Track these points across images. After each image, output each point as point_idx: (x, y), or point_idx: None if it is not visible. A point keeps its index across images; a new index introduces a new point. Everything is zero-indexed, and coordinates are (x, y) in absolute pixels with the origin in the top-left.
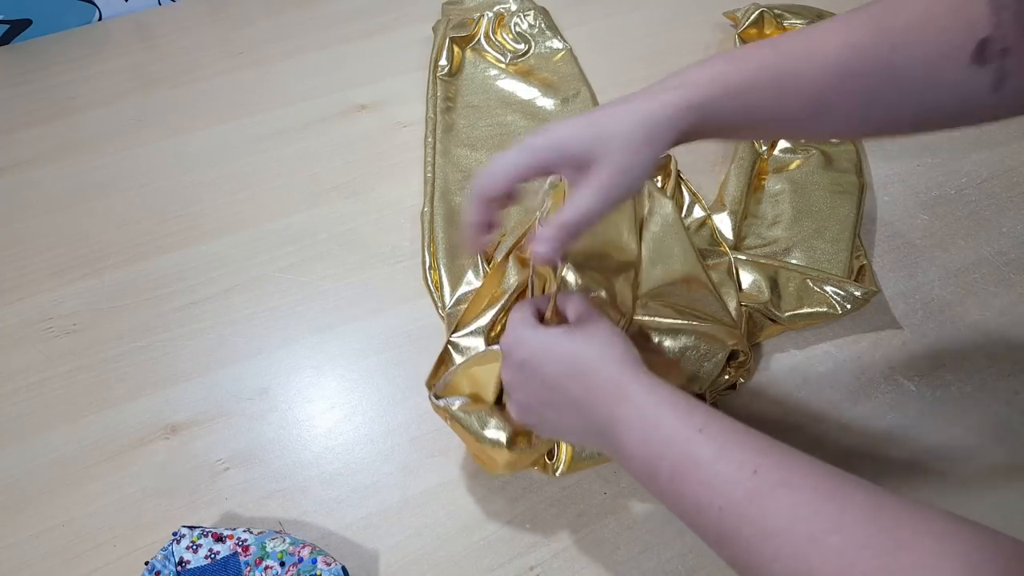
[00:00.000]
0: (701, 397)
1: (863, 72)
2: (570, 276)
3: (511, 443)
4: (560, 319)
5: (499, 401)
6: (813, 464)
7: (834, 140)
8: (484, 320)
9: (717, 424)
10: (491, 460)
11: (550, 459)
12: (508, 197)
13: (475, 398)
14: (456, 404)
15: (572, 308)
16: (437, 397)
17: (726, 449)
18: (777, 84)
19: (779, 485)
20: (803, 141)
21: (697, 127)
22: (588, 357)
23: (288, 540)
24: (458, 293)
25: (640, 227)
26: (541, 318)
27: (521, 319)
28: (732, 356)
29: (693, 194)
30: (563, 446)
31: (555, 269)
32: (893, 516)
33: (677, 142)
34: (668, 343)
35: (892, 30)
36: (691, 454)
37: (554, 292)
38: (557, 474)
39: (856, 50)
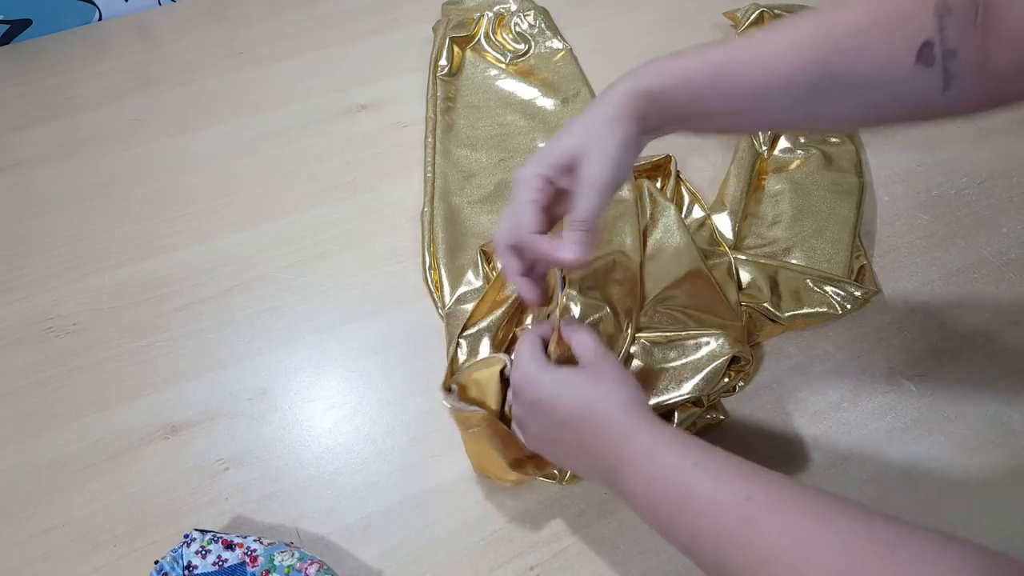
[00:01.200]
0: (700, 402)
1: (805, 71)
2: (573, 305)
3: (517, 464)
4: (564, 348)
5: (502, 416)
6: (804, 490)
7: (833, 139)
8: (486, 322)
9: (712, 458)
10: (504, 471)
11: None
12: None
13: (480, 403)
14: (476, 413)
15: (580, 344)
16: (449, 392)
17: (720, 480)
18: (719, 77)
19: (771, 509)
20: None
21: (654, 113)
22: (596, 403)
23: (297, 555)
24: (458, 293)
25: (644, 233)
26: (546, 346)
27: (531, 355)
28: (733, 359)
29: (692, 194)
30: None
31: (561, 283)
32: (887, 538)
33: (643, 128)
34: (671, 353)
35: (834, 33)
36: (688, 488)
37: (557, 321)
38: (563, 483)
39: (796, 49)
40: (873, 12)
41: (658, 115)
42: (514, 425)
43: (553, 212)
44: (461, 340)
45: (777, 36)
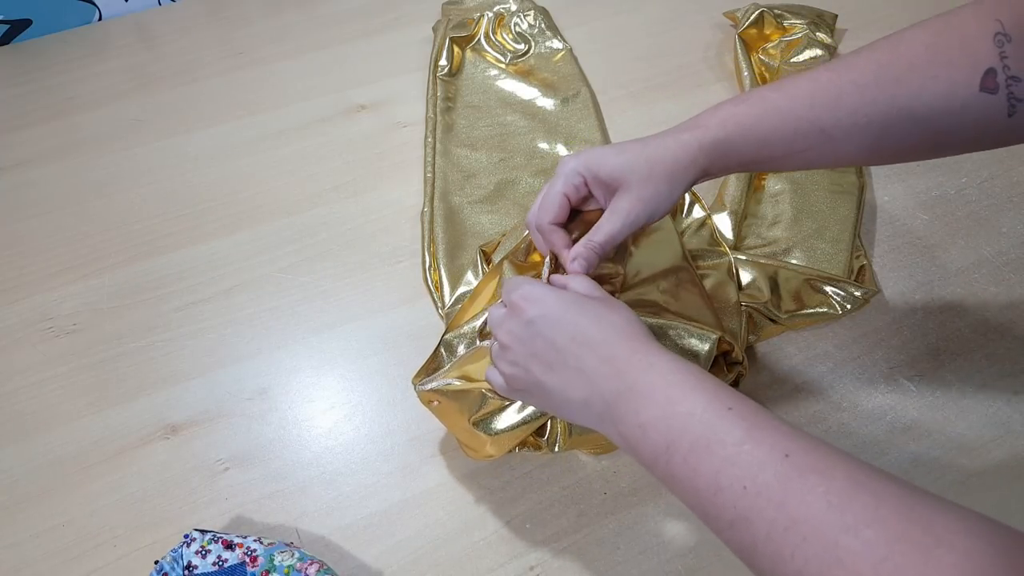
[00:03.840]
0: None
1: (870, 108)
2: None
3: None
4: None
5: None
6: (845, 455)
7: None
8: (478, 322)
9: (746, 406)
10: (478, 442)
11: (540, 436)
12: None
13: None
14: (444, 383)
15: (579, 285)
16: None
17: (755, 431)
18: (784, 122)
19: (811, 471)
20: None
21: (716, 163)
22: (609, 324)
23: (297, 555)
24: (458, 293)
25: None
26: None
27: (529, 279)
28: (724, 355)
29: (693, 194)
30: (555, 423)
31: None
32: (929, 513)
33: (698, 178)
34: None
35: (894, 66)
36: (718, 431)
37: (548, 271)
38: (556, 449)
39: (858, 87)
40: (931, 44)
41: (722, 164)
42: (488, 371)
43: (580, 206)
44: (450, 341)
45: (837, 76)
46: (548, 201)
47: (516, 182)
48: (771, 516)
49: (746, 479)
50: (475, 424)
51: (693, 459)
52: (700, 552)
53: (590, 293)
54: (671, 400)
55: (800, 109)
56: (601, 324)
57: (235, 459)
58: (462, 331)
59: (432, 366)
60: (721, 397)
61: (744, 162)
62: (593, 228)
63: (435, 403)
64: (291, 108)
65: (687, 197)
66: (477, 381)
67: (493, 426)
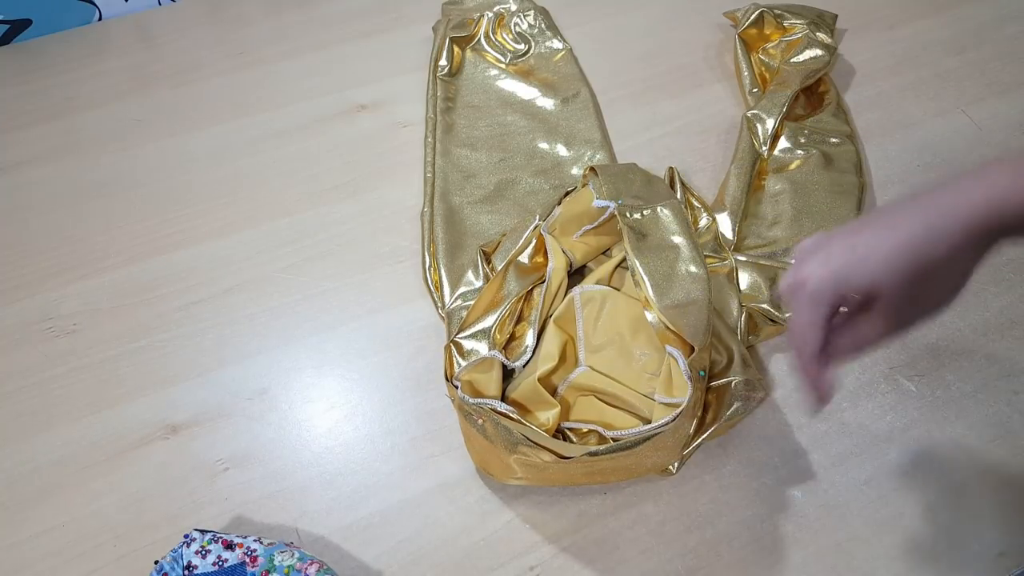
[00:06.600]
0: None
1: None
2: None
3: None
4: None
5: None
6: None
7: (833, 140)
8: (486, 323)
9: None
10: (502, 472)
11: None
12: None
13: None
14: (490, 403)
15: None
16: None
17: None
18: None
19: None
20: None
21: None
22: None
23: (297, 555)
24: (458, 293)
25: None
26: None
27: None
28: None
29: (701, 202)
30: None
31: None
32: None
33: None
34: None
35: None
36: None
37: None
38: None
39: None
40: None
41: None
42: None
43: None
44: (460, 342)
45: None
46: (810, 336)
47: (516, 182)
48: None
49: None
50: (512, 454)
51: None
52: (700, 552)
53: None
54: None
55: None
56: None
57: (235, 459)
58: (472, 332)
59: (450, 365)
60: None
61: None
62: (856, 331)
63: (481, 421)
64: (291, 108)
65: (696, 204)
66: (530, 416)
67: (533, 461)
